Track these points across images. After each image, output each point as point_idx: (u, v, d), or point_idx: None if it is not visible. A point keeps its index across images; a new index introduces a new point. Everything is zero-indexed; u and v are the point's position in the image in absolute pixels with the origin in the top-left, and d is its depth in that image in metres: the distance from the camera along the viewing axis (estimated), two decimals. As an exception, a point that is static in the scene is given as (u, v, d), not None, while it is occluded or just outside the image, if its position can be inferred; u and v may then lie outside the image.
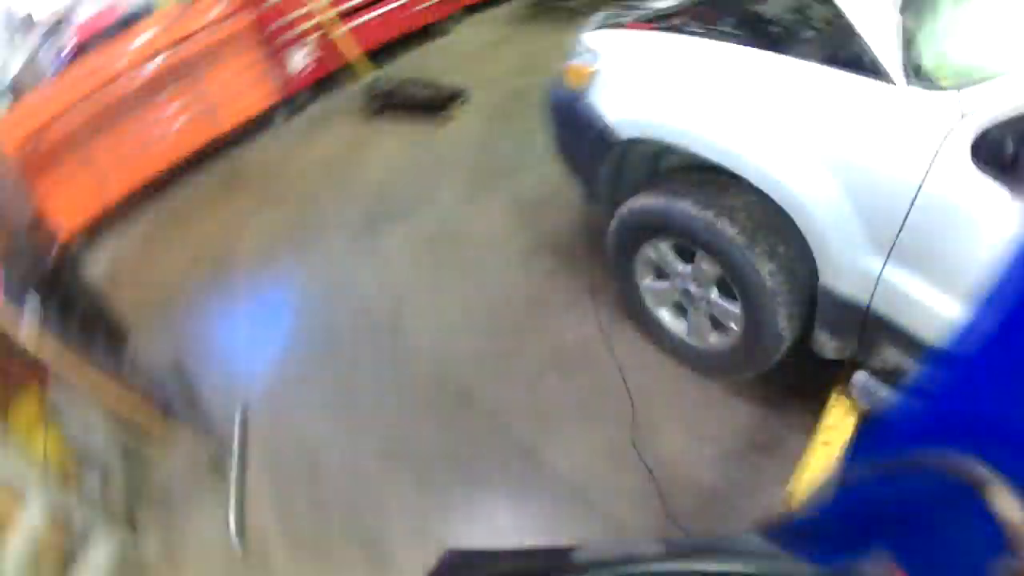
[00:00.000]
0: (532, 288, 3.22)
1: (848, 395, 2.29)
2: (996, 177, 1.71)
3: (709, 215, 2.24)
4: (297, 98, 4.74)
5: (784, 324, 2.32)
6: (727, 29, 2.54)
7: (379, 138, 4.46)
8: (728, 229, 2.22)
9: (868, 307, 2.10)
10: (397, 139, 4.44)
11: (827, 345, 2.31)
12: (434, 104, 4.58)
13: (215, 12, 4.01)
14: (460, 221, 3.67)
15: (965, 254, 1.83)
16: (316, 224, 3.75)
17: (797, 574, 1.19)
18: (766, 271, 2.22)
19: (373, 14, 5.01)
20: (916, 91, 1.84)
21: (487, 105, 4.72)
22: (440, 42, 5.74)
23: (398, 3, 5.18)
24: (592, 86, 2.48)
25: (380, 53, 5.26)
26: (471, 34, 5.88)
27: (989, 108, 1.72)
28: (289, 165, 4.29)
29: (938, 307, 1.94)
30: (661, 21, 2.63)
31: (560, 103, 2.75)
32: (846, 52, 2.04)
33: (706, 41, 2.35)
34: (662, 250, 2.56)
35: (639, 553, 1.33)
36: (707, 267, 2.43)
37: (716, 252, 2.33)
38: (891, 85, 1.88)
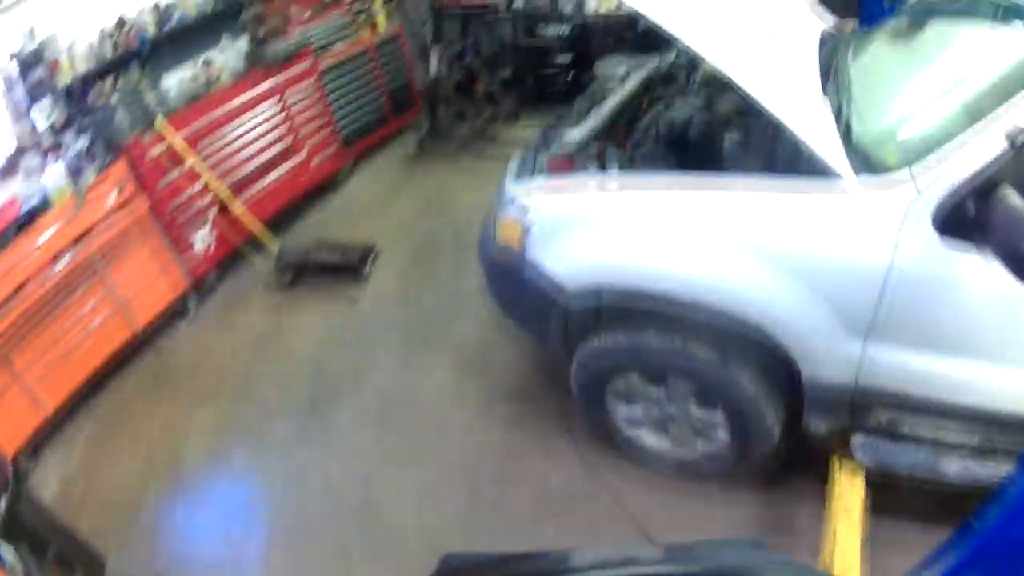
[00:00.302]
0: (500, 440, 3.19)
1: (849, 458, 2.35)
2: (962, 239, 1.84)
3: (677, 342, 2.32)
4: (206, 280, 4.63)
5: (772, 420, 2.40)
6: (650, 153, 2.69)
7: (299, 313, 4.39)
8: (699, 351, 2.30)
9: (855, 384, 2.19)
10: (317, 310, 4.38)
11: (819, 426, 2.39)
12: (347, 266, 4.57)
13: (111, 201, 3.91)
14: (406, 385, 3.62)
15: (944, 315, 1.97)
16: (259, 415, 3.60)
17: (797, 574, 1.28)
18: (745, 379, 2.31)
19: (265, 182, 5.02)
20: (867, 180, 1.96)
21: (400, 257, 4.77)
22: (337, 198, 5.78)
23: (288, 167, 5.22)
24: (529, 242, 2.49)
25: (279, 221, 5.24)
26: (365, 184, 5.98)
27: (943, 177, 1.85)
28: (214, 354, 4.14)
29: (925, 366, 2.07)
30: (578, 154, 2.76)
31: (495, 261, 2.74)
32: (786, 156, 2.17)
33: (638, 178, 2.45)
34: (631, 380, 2.60)
35: (637, 556, 1.38)
36: (682, 387, 2.50)
37: (690, 373, 2.40)
38: (838, 180, 1.98)
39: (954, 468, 2.20)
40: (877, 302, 1.99)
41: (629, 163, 2.63)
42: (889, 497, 2.35)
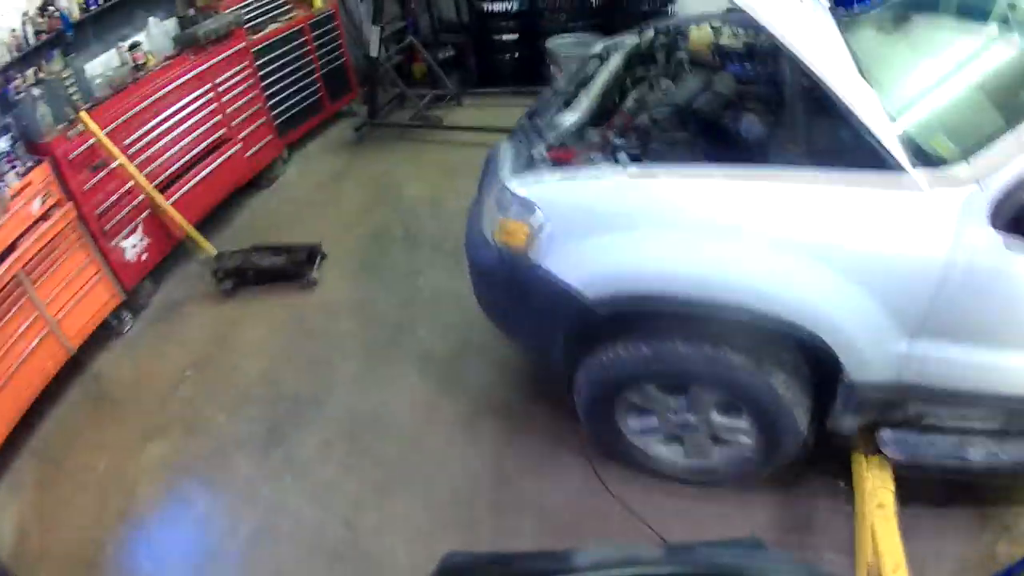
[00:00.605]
0: (490, 459, 2.96)
1: (875, 453, 2.31)
2: (1018, 234, 1.78)
3: (707, 349, 2.15)
4: (140, 291, 4.18)
5: (803, 423, 2.30)
6: (667, 141, 2.47)
7: (243, 325, 4.00)
8: (733, 358, 2.15)
9: (897, 381, 2.12)
10: (265, 322, 4.00)
11: (848, 424, 2.31)
12: (292, 270, 4.21)
13: (36, 208, 3.44)
14: (375, 404, 3.32)
15: (993, 308, 1.92)
16: (215, 447, 3.22)
17: (799, 573, 1.29)
18: (780, 384, 2.18)
19: (198, 178, 4.57)
20: (925, 173, 1.84)
21: (349, 256, 4.45)
22: (273, 191, 5.36)
23: (221, 160, 4.77)
24: (537, 245, 2.23)
25: (214, 219, 4.81)
26: (303, 175, 5.58)
27: (1003, 171, 1.77)
28: (157, 376, 3.71)
29: (969, 358, 2.01)
30: (579, 142, 2.53)
31: (491, 266, 2.44)
32: (830, 145, 2.03)
33: (670, 169, 2.21)
34: (647, 391, 2.43)
35: (638, 556, 1.38)
36: (707, 396, 2.35)
37: (720, 381, 2.24)
38: (901, 173, 1.86)
39: (979, 454, 2.21)
40: (932, 298, 1.91)
41: (642, 151, 2.41)
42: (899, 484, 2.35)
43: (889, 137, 1.85)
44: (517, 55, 6.18)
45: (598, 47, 3.42)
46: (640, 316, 2.23)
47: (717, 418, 2.40)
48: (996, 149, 1.81)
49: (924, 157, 1.87)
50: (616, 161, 2.27)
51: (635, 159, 2.32)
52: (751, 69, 2.92)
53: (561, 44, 5.51)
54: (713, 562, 1.31)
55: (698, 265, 2.04)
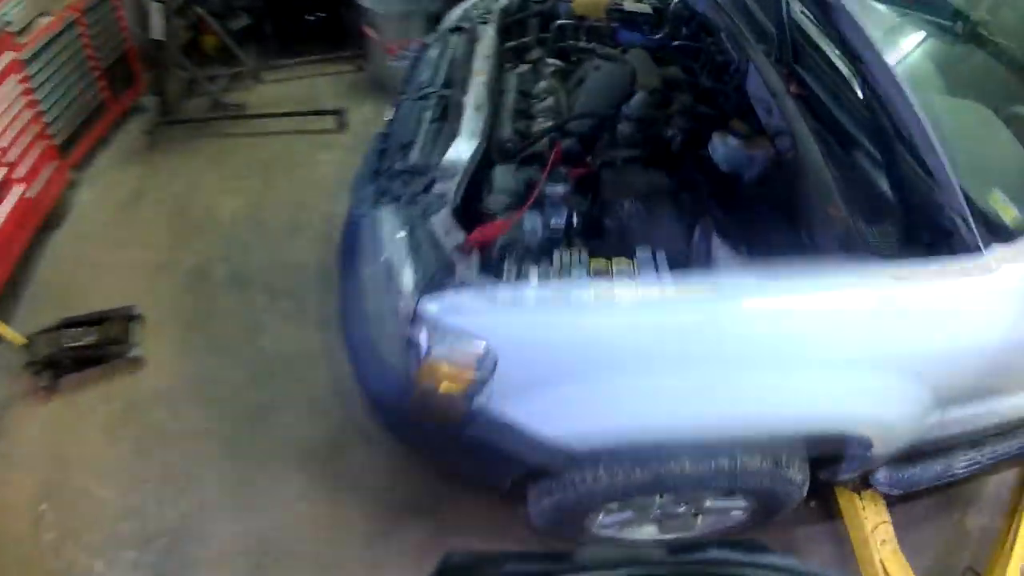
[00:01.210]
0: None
1: (865, 488, 2.23)
2: None
3: (724, 464, 1.73)
4: None
5: (805, 490, 2.00)
6: (639, 189, 1.94)
7: (78, 432, 2.99)
8: (752, 464, 1.76)
9: (916, 443, 1.91)
10: (99, 426, 3.02)
11: (850, 476, 2.11)
12: (109, 347, 3.23)
13: None
14: (266, 527, 2.59)
15: None
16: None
17: (796, 570, 1.29)
18: (795, 471, 1.86)
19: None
20: (999, 252, 1.50)
21: (170, 314, 3.48)
22: (68, 229, 4.09)
23: (6, 211, 3.48)
24: (484, 388, 1.56)
25: (11, 289, 3.58)
26: (95, 203, 4.32)
27: None
28: (14, 517, 2.69)
29: (986, 408, 1.89)
30: (492, 199, 1.93)
31: (419, 410, 1.71)
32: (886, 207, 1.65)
33: (688, 280, 1.63)
34: (631, 500, 1.97)
35: (640, 555, 1.38)
36: (707, 494, 1.98)
37: (732, 487, 1.88)
38: (972, 256, 1.49)
39: (962, 465, 2.16)
40: (977, 374, 1.66)
41: (595, 208, 1.84)
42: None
43: (962, 205, 1.42)
44: (322, 16, 5.24)
45: (455, 14, 2.68)
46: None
47: (710, 503, 2.02)
48: None
49: (989, 226, 1.51)
50: (568, 224, 1.69)
51: (585, 223, 1.75)
52: (660, 40, 2.36)
53: (376, -2, 4.63)
54: (715, 561, 1.28)
55: (736, 407, 1.58)
